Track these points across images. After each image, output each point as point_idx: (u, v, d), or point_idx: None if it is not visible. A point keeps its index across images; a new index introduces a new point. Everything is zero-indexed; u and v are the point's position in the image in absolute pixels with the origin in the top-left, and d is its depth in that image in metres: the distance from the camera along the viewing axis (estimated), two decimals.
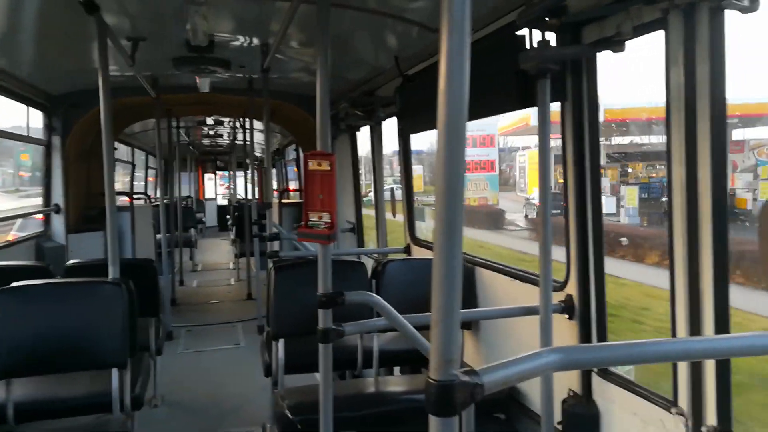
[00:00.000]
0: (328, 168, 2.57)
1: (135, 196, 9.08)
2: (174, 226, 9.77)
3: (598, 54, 2.75)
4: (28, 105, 6.03)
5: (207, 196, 24.37)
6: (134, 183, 11.92)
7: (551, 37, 2.69)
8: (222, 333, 7.69)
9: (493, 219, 24.94)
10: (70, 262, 4.93)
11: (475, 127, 27.27)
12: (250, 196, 9.38)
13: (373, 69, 5.29)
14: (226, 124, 11.18)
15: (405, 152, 5.54)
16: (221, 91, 6.71)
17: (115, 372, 3.39)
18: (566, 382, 3.02)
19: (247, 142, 9.66)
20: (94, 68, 3.84)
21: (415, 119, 4.87)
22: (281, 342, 4.01)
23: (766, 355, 1.33)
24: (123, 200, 8.33)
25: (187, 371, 6.24)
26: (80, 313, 3.43)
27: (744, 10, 1.90)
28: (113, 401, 3.37)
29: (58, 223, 6.65)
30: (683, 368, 2.38)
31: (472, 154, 28.55)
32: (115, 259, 3.75)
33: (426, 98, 4.21)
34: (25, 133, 6.19)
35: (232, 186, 17.69)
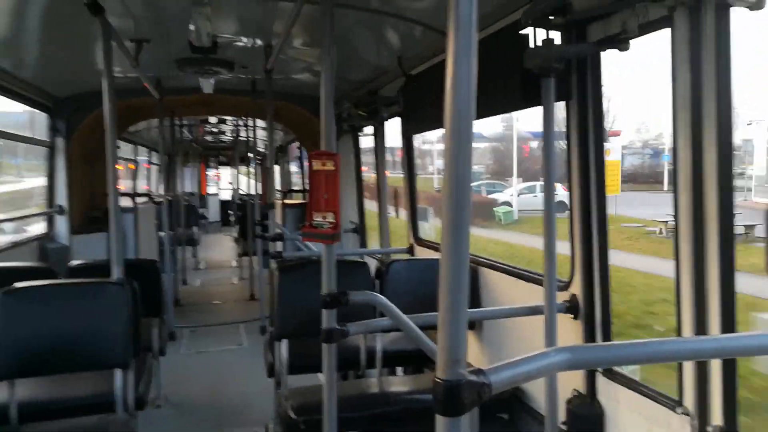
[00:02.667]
0: (333, 168, 2.57)
1: (137, 196, 9.09)
2: (177, 224, 9.77)
3: (602, 53, 2.74)
4: (32, 107, 6.04)
5: (209, 192, 24.43)
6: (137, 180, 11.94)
7: (555, 35, 2.68)
8: (225, 333, 7.69)
9: None
10: (73, 262, 4.94)
11: None
12: (253, 192, 9.37)
13: (376, 69, 5.28)
14: (229, 122, 11.19)
15: (408, 152, 5.53)
16: (224, 92, 6.71)
17: (118, 372, 3.39)
18: (570, 382, 3.01)
19: (250, 140, 9.66)
20: (98, 70, 3.84)
21: (418, 119, 4.86)
22: (284, 342, 4.01)
23: None
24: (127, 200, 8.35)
25: (190, 372, 6.24)
26: (84, 314, 3.43)
27: (751, 7, 1.89)
28: (116, 401, 3.37)
29: (62, 224, 6.66)
30: (688, 367, 2.37)
31: None
32: (119, 259, 3.75)
33: (429, 98, 4.20)
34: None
35: (234, 182, 17.68)
